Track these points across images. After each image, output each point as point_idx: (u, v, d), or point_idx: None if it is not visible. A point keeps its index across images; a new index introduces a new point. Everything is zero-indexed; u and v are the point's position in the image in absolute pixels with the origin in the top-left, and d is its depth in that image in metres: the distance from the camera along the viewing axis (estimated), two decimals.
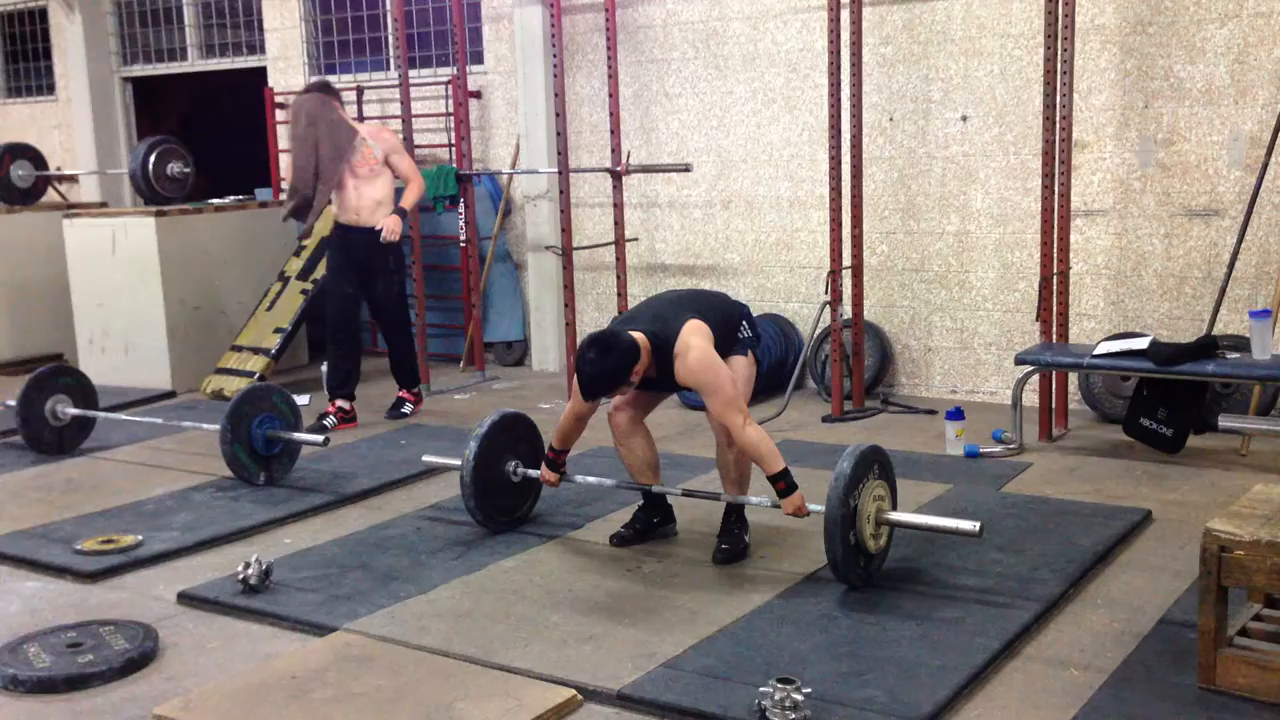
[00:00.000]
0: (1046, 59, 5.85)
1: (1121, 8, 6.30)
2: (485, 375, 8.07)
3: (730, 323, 4.43)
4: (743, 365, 4.41)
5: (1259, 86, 6.03)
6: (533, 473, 4.78)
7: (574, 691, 3.39)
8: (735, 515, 4.51)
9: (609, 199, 7.33)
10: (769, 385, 6.88)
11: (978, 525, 3.98)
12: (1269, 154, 5.85)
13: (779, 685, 3.14)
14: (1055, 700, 3.31)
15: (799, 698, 3.11)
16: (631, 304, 6.89)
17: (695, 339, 4.20)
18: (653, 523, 4.68)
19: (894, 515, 4.12)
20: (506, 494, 4.82)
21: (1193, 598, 3.51)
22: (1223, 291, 5.97)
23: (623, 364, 4.10)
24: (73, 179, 10.39)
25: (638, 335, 4.21)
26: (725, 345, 4.35)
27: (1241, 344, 5.68)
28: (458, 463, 4.80)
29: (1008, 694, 3.37)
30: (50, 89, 10.87)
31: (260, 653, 3.80)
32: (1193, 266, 6.30)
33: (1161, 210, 6.34)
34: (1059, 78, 5.88)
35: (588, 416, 4.52)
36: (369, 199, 6.60)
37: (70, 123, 10.60)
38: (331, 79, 9.12)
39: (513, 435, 4.83)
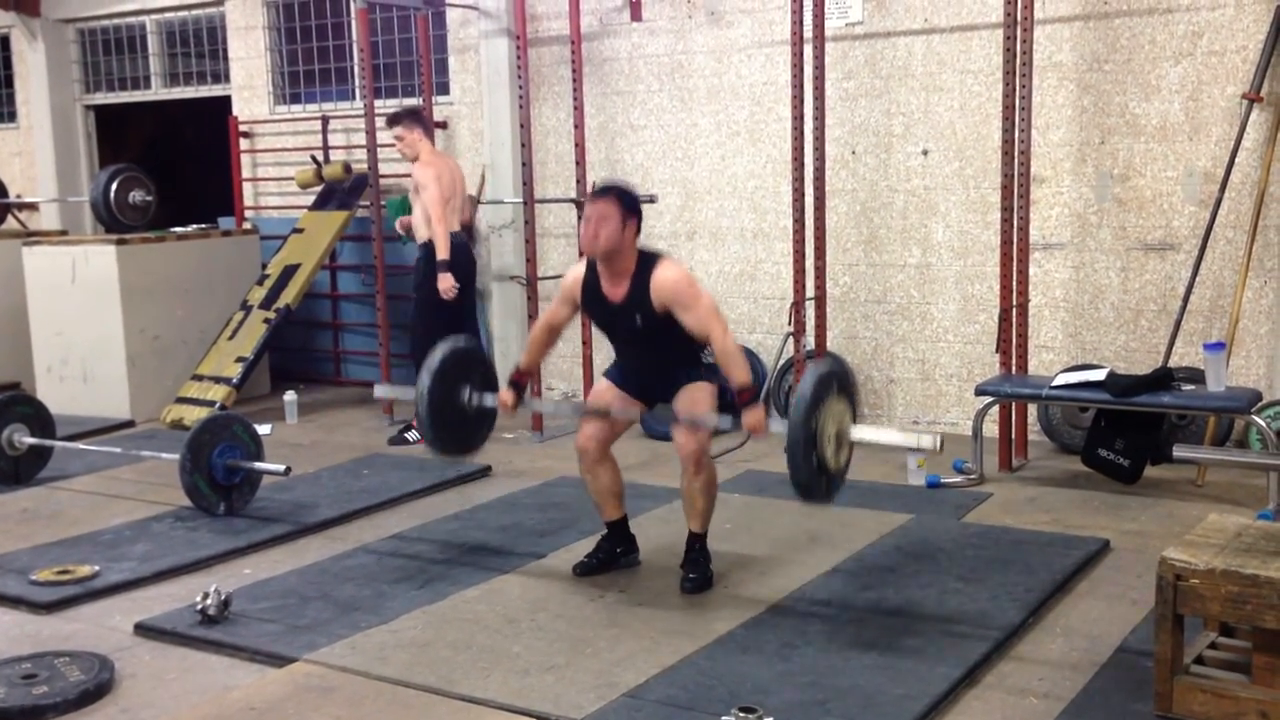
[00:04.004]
0: (1005, 95, 5.95)
1: (1078, 45, 6.42)
2: None
3: (695, 344, 4.41)
4: (706, 391, 4.43)
5: (1212, 124, 6.14)
6: (489, 399, 4.64)
7: None
8: (699, 545, 4.52)
9: (574, 229, 7.35)
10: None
11: (938, 440, 3.96)
12: (1222, 190, 5.96)
13: (741, 714, 3.15)
14: None
15: None
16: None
17: (675, 265, 4.39)
18: (616, 552, 4.68)
19: (854, 433, 4.03)
20: (462, 423, 4.63)
21: (1150, 626, 3.54)
22: (1178, 324, 6.07)
23: (632, 193, 4.37)
24: (33, 206, 10.29)
25: None
26: (687, 364, 4.40)
27: (1196, 376, 5.77)
28: (414, 390, 4.59)
29: None
30: (11, 116, 10.78)
31: (219, 684, 3.76)
32: (1148, 300, 6.39)
33: (1118, 244, 6.44)
34: (1017, 113, 5.97)
35: (561, 328, 4.61)
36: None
37: (31, 150, 10.51)
38: (297, 108, 9.18)
39: (466, 367, 4.66)
